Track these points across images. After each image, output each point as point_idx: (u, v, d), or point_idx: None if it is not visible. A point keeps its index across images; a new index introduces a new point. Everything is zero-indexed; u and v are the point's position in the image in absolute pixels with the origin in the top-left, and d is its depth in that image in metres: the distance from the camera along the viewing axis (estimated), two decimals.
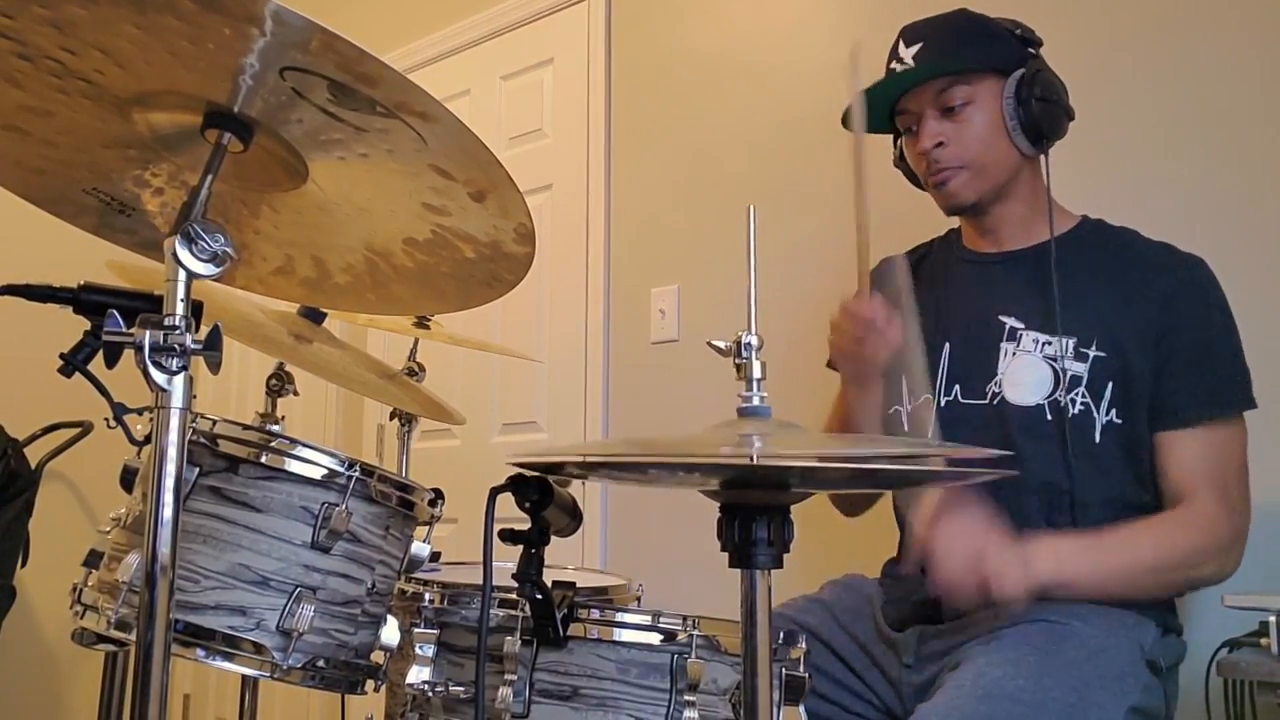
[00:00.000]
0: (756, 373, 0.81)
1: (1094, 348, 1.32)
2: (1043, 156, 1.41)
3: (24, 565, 2.72)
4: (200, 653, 1.08)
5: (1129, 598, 1.26)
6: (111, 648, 1.28)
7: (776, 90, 2.27)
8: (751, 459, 0.70)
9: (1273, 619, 1.15)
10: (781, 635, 1.05)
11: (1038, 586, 1.18)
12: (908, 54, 1.38)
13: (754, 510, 0.79)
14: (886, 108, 1.43)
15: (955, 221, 1.54)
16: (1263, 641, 1.16)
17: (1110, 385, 1.31)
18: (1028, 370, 1.35)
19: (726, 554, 0.80)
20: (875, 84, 1.39)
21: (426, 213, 0.96)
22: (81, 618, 1.14)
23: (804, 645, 1.07)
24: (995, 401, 1.37)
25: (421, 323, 1.82)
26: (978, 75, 1.37)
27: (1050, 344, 1.34)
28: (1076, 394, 1.32)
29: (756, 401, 0.81)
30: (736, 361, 0.81)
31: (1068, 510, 1.30)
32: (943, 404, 1.42)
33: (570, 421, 2.52)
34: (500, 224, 0.95)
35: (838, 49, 2.17)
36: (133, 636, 1.06)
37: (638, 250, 2.47)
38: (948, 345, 1.43)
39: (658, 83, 2.50)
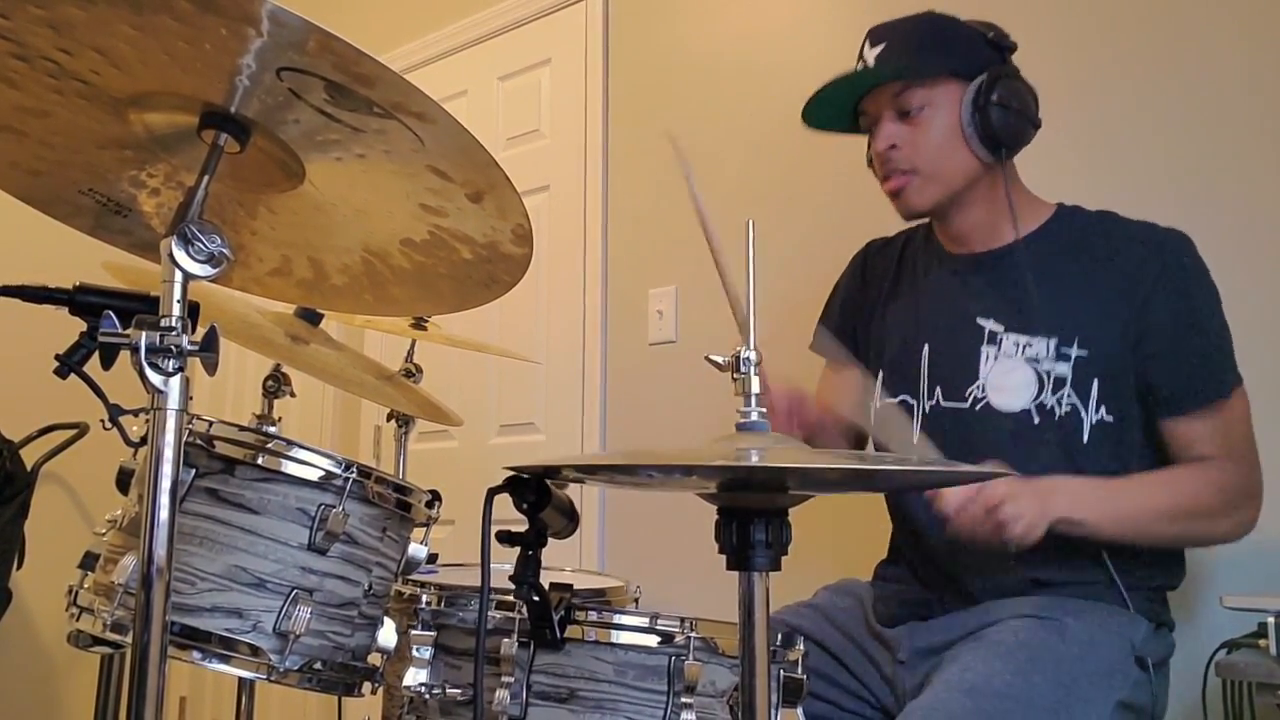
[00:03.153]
0: (754, 388, 0.81)
1: (1075, 346, 1.31)
2: (1007, 163, 1.38)
3: (20, 567, 2.72)
4: (197, 655, 1.08)
5: (1146, 543, 1.26)
6: (107, 650, 1.27)
7: (773, 90, 2.27)
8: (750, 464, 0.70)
9: (1271, 620, 1.14)
10: (780, 637, 1.05)
11: (1052, 521, 1.18)
12: (871, 55, 1.37)
13: (751, 513, 0.79)
14: (848, 107, 1.42)
15: None
16: (1261, 643, 1.16)
17: (1096, 382, 1.30)
18: (1011, 374, 1.34)
19: (724, 556, 0.80)
20: (831, 82, 1.38)
21: (424, 213, 0.96)
22: (77, 620, 1.14)
23: (802, 647, 1.07)
24: (977, 406, 1.36)
25: (419, 324, 1.81)
26: (937, 79, 1.35)
27: (1031, 345, 1.33)
28: (1062, 394, 1.31)
29: (755, 417, 0.80)
30: (734, 376, 0.81)
31: None
32: (926, 408, 1.41)
33: (568, 423, 2.52)
34: (498, 225, 0.95)
35: (835, 49, 2.16)
36: (129, 639, 1.06)
37: (635, 251, 2.47)
38: (926, 347, 1.42)
39: (655, 83, 2.50)
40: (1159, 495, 1.26)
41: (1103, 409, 1.30)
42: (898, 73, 1.35)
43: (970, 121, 1.33)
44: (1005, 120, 1.33)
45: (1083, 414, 1.31)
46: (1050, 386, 1.32)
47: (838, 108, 1.42)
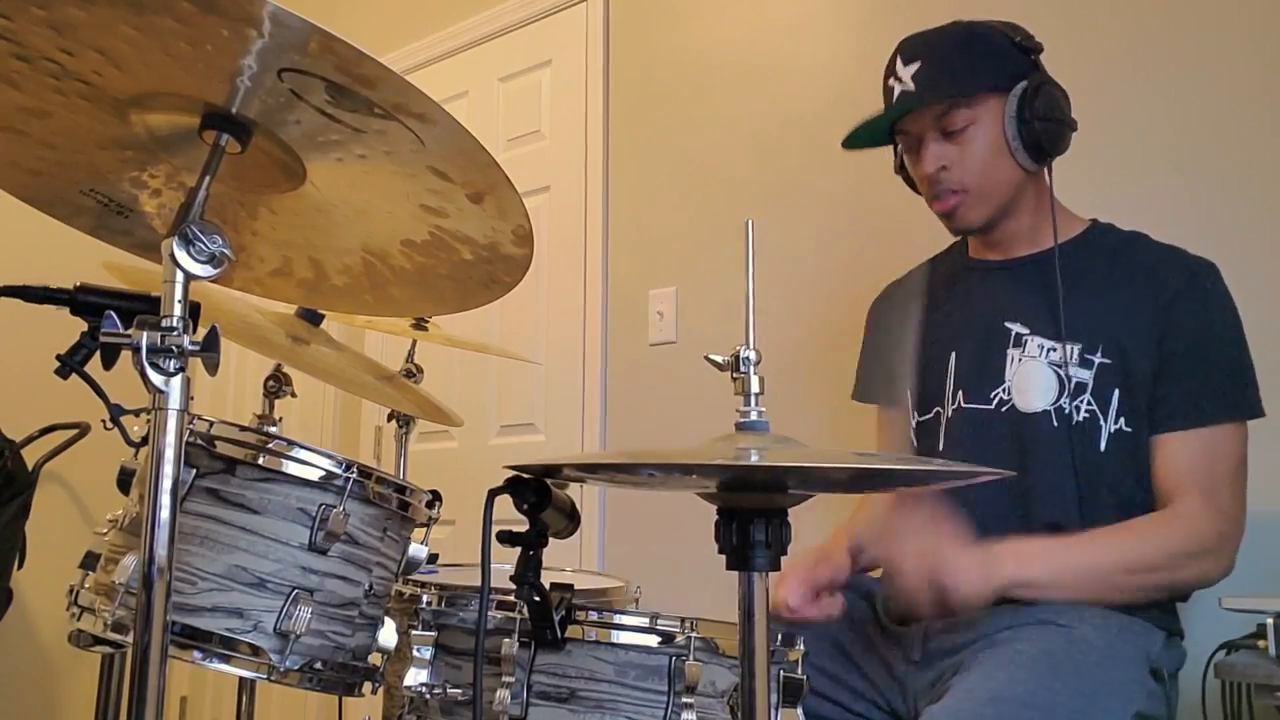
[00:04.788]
0: (754, 387, 0.81)
1: (1099, 354, 1.32)
2: (1046, 168, 1.40)
3: (21, 567, 2.72)
4: (197, 655, 1.08)
5: (1106, 599, 1.25)
6: (108, 650, 1.28)
7: (774, 92, 2.27)
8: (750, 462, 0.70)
9: (1270, 621, 1.14)
10: (779, 637, 1.05)
11: (999, 588, 1.18)
12: (906, 73, 1.36)
13: (751, 513, 0.79)
14: (886, 127, 1.43)
15: None
16: (1260, 644, 1.15)
17: (1117, 392, 1.31)
18: (1034, 376, 1.35)
19: (724, 556, 0.80)
20: (877, 115, 1.39)
21: (424, 214, 0.96)
22: (78, 620, 1.14)
23: (802, 647, 1.07)
24: (1004, 409, 1.36)
25: (419, 324, 1.81)
26: (978, 96, 1.35)
27: (1055, 350, 1.34)
28: (1082, 401, 1.31)
29: (754, 416, 0.80)
30: (734, 376, 0.81)
31: (1074, 516, 1.30)
32: (949, 412, 1.42)
33: (568, 423, 2.52)
34: (498, 225, 0.95)
35: (836, 51, 2.17)
36: (129, 638, 1.06)
37: (636, 252, 2.47)
38: (953, 354, 1.43)
39: (656, 84, 2.50)
40: (1116, 548, 1.25)
41: (1121, 420, 1.30)
42: (943, 95, 1.34)
43: (1016, 135, 1.35)
44: (1049, 129, 1.34)
45: (1101, 422, 1.30)
46: (1071, 391, 1.32)
47: (876, 130, 1.43)
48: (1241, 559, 1.29)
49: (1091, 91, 1.47)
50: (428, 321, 1.84)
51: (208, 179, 0.87)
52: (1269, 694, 1.12)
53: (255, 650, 1.10)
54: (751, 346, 0.81)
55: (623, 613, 1.05)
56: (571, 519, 1.03)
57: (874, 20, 2.06)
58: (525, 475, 0.95)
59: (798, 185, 2.21)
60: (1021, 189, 1.40)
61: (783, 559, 0.80)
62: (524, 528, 0.99)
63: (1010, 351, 1.38)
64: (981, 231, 1.44)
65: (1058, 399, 1.33)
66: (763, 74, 2.30)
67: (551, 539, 1.01)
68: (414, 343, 1.88)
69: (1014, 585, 1.20)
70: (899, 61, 1.38)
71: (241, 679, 1.64)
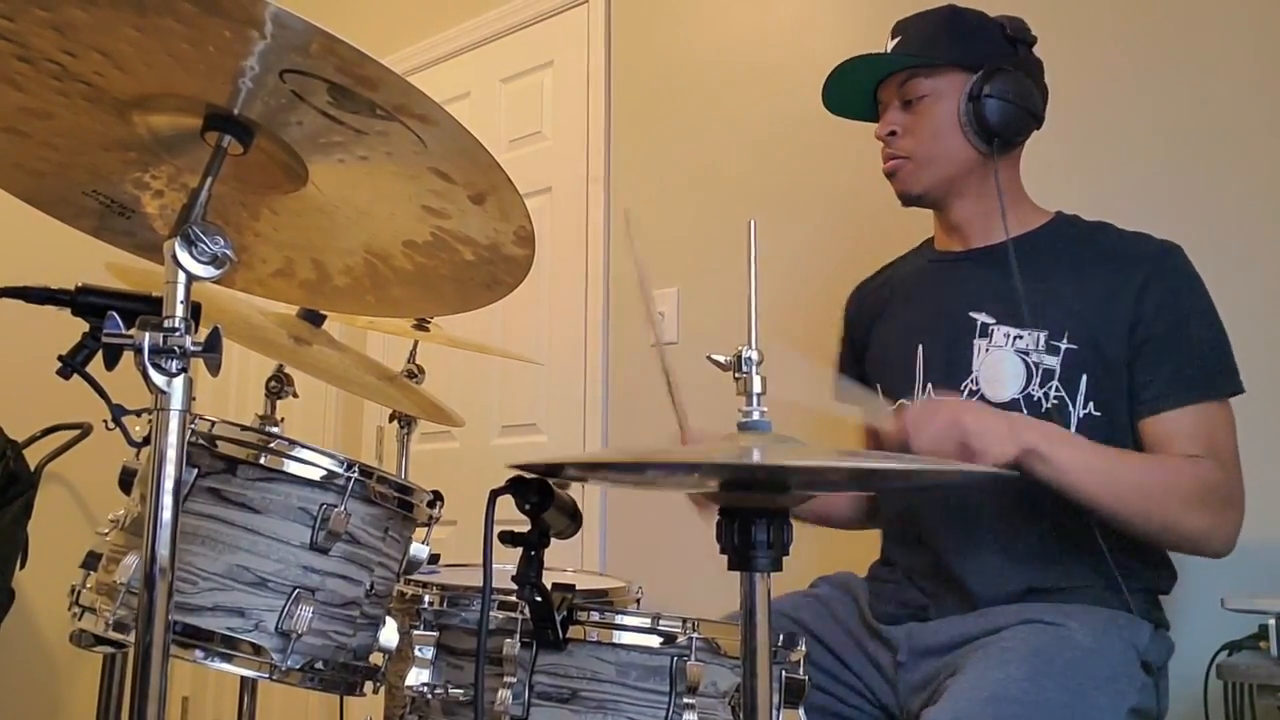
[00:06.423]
0: (756, 387, 0.81)
1: (1065, 340, 1.31)
2: (1003, 157, 1.39)
3: (23, 567, 2.72)
4: (199, 654, 1.08)
5: (1111, 512, 1.21)
6: (110, 649, 1.27)
7: (776, 92, 2.27)
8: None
9: (1272, 622, 1.15)
10: (781, 638, 1.05)
11: (1024, 450, 1.16)
12: (890, 46, 1.41)
13: (753, 513, 0.79)
14: (865, 94, 1.46)
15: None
16: (1262, 644, 1.16)
17: (1085, 377, 1.30)
18: (1001, 365, 1.35)
19: (725, 556, 0.80)
20: (839, 66, 1.42)
21: (426, 215, 0.96)
22: (80, 619, 1.14)
23: (804, 648, 1.07)
24: (974, 399, 1.36)
25: (421, 325, 1.82)
26: (943, 69, 1.37)
27: (1022, 338, 1.34)
28: (1050, 387, 1.31)
29: (756, 416, 0.81)
30: (736, 376, 0.81)
31: (1045, 504, 1.28)
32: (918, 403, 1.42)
33: (570, 424, 2.52)
34: (500, 226, 0.95)
35: (837, 51, 2.16)
36: (131, 638, 1.06)
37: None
38: (920, 346, 1.43)
39: (657, 85, 2.50)
40: (1136, 464, 1.25)
41: (1090, 404, 1.30)
42: (904, 61, 1.38)
43: (966, 111, 1.36)
44: (1001, 112, 1.35)
45: (1070, 407, 1.30)
46: (1039, 379, 1.32)
47: (854, 95, 1.46)
48: (1243, 559, 1.29)
49: (1069, 83, 1.47)
50: (429, 322, 1.84)
51: (210, 180, 0.87)
52: (1271, 694, 1.12)
53: (257, 649, 1.10)
54: (754, 347, 0.81)
55: (624, 613, 1.05)
56: (573, 519, 1.03)
57: (874, 20, 2.06)
58: (527, 475, 0.95)
59: (799, 185, 2.21)
60: (973, 170, 1.40)
61: None
62: (525, 528, 0.99)
63: (977, 342, 1.38)
64: (927, 205, 1.45)
65: (1025, 386, 1.32)
66: (764, 74, 2.30)
67: (553, 539, 1.01)
68: (416, 343, 1.88)
69: (1035, 454, 1.17)
70: (889, 39, 1.42)
71: (243, 678, 1.64)
